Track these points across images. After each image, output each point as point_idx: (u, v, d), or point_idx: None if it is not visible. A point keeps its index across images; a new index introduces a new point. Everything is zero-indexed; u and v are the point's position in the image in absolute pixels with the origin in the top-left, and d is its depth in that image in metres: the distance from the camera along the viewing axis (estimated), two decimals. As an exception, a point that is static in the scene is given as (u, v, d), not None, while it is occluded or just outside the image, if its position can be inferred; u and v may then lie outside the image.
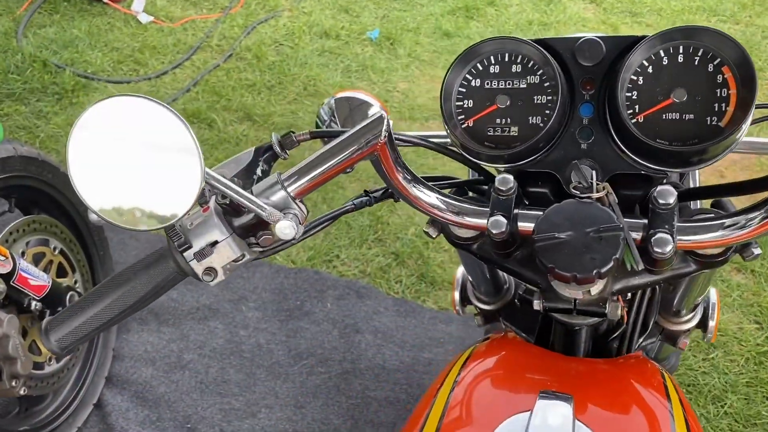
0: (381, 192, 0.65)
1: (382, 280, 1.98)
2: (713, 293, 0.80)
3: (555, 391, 0.50)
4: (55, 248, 1.47)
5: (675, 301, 0.73)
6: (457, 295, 0.86)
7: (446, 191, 0.64)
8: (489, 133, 0.61)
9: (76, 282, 1.54)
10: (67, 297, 1.39)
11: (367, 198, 0.64)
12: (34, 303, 1.30)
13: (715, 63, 0.56)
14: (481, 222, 0.58)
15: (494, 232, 0.56)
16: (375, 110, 0.77)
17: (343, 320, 1.83)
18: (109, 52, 2.82)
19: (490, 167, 0.63)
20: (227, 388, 1.68)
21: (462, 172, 0.80)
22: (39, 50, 2.73)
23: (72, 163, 0.49)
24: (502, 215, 0.56)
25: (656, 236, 0.52)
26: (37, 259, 1.41)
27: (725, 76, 0.56)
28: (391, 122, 0.77)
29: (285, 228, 0.54)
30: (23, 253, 1.37)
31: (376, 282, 1.97)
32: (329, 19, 3.20)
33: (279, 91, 2.73)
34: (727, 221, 0.54)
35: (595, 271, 0.51)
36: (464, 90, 0.62)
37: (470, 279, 0.82)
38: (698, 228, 0.54)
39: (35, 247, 1.42)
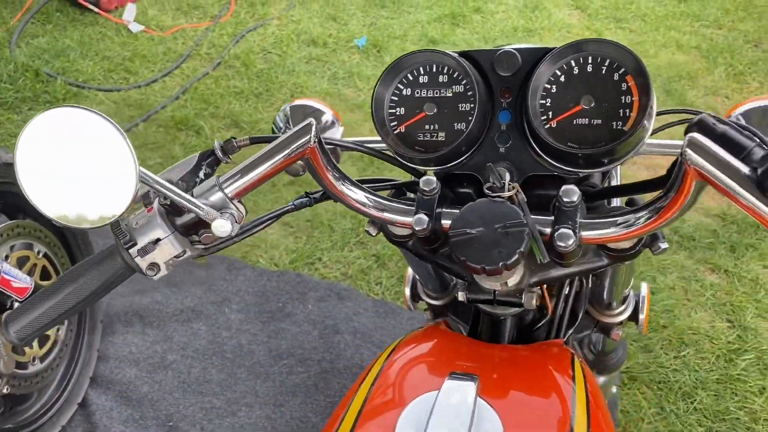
0: (320, 193, 0.69)
1: (362, 282, 2.02)
2: (644, 288, 0.84)
3: (464, 372, 0.54)
4: (39, 252, 1.52)
5: (604, 295, 0.78)
6: (407, 291, 0.90)
7: (386, 192, 0.69)
8: (419, 138, 0.66)
9: (60, 285, 1.58)
10: (50, 299, 1.43)
11: (307, 199, 0.69)
12: (16, 305, 1.35)
13: (620, 72, 0.60)
14: (407, 219, 0.62)
15: (417, 228, 0.60)
16: (327, 117, 0.82)
17: (323, 321, 1.88)
18: (100, 61, 2.88)
19: (422, 169, 0.68)
20: (208, 388, 1.72)
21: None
22: (31, 60, 2.79)
23: (21, 172, 0.54)
24: (425, 213, 0.61)
25: (559, 231, 0.57)
26: (21, 263, 1.46)
27: (629, 85, 0.60)
28: (340, 127, 0.82)
29: (221, 226, 0.59)
30: (7, 257, 1.42)
31: (356, 284, 2.02)
32: (317, 27, 3.26)
33: (266, 98, 2.78)
34: (620, 219, 0.58)
35: (501, 263, 0.55)
36: (396, 98, 0.66)
37: (417, 276, 0.86)
38: (597, 224, 0.58)
39: (20, 251, 1.47)
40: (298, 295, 1.95)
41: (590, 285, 0.78)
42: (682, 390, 1.75)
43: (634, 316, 0.82)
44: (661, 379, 1.77)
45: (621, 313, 0.81)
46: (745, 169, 0.49)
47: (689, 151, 0.50)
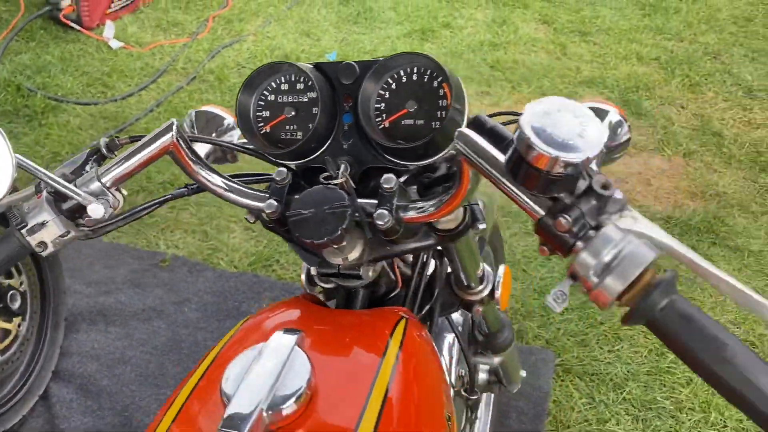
0: (196, 185, 0.80)
1: (317, 283, 2.12)
2: (501, 269, 0.94)
3: (291, 328, 0.64)
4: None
5: (462, 276, 0.88)
6: (303, 276, 1.01)
7: (265, 186, 0.79)
8: (281, 137, 0.77)
9: (21, 283, 1.69)
10: (8, 296, 1.55)
11: (185, 189, 0.80)
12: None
13: (438, 80, 0.71)
14: (260, 205, 0.73)
15: (268, 212, 0.71)
16: (227, 122, 0.93)
17: (277, 319, 1.98)
18: (80, 76, 3.01)
19: (287, 163, 0.79)
20: (164, 381, 1.82)
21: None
22: (14, 75, 2.93)
23: None
24: (275, 199, 0.71)
25: (378, 212, 0.67)
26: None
27: (444, 91, 0.71)
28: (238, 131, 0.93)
29: (95, 210, 0.70)
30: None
31: (311, 284, 2.12)
32: (291, 43, 3.39)
33: (237, 111, 2.90)
34: (429, 203, 0.68)
35: (327, 238, 0.66)
36: (263, 103, 0.77)
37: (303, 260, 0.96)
38: (411, 207, 0.69)
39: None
40: (254, 295, 2.05)
41: (443, 266, 0.89)
42: (614, 381, 1.85)
43: (491, 295, 0.92)
44: (594, 371, 1.87)
45: (480, 291, 0.91)
46: (503, 159, 0.59)
47: (458, 143, 0.60)
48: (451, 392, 1.04)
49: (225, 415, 0.57)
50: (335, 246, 0.69)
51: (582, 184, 0.57)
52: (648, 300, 0.52)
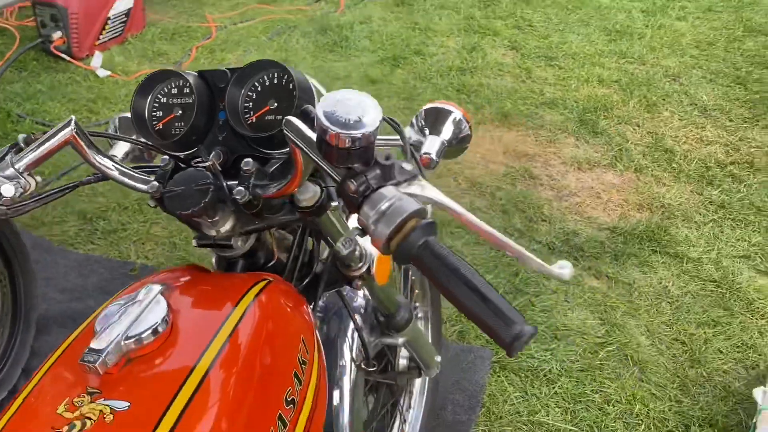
0: (99, 174, 0.94)
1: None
2: (375, 253, 1.07)
3: (161, 281, 0.78)
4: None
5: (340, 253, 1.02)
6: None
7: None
8: (172, 133, 0.91)
9: (-8, 283, 1.84)
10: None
11: (92, 177, 0.94)
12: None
13: (293, 83, 0.86)
14: (145, 187, 0.87)
15: (151, 191, 0.86)
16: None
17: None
18: (67, 103, 3.20)
19: (179, 154, 0.93)
20: (125, 378, 1.95)
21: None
22: (5, 102, 3.12)
23: None
24: (158, 181, 0.86)
25: (236, 189, 0.82)
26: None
27: (296, 92, 0.86)
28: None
29: (7, 190, 0.85)
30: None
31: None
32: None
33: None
34: (279, 183, 0.82)
35: (191, 210, 0.80)
36: (157, 104, 0.92)
37: None
38: (265, 186, 0.83)
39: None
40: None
41: (321, 246, 1.03)
42: (547, 377, 1.96)
43: (368, 271, 1.06)
44: (529, 368, 1.98)
45: (358, 269, 1.04)
46: (313, 137, 0.73)
47: (285, 129, 0.75)
48: (343, 361, 1.17)
49: (86, 350, 0.70)
50: (208, 219, 0.83)
51: (379, 157, 0.72)
52: (408, 241, 0.66)
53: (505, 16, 4.23)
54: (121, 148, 1.07)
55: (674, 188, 2.76)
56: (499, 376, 1.96)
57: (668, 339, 2.09)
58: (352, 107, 0.69)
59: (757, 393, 1.78)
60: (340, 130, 0.67)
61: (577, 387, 1.93)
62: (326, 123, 0.68)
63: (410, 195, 0.69)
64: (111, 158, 0.91)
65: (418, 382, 1.73)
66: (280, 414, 0.76)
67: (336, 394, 1.18)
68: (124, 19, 3.75)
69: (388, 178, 0.71)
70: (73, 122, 0.87)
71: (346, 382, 1.18)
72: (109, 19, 3.63)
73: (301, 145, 0.74)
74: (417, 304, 1.67)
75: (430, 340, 1.71)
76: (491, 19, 4.20)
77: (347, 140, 0.68)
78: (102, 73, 3.39)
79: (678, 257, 2.40)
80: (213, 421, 0.70)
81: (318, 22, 4.10)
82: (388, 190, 0.69)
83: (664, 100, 3.37)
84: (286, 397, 0.78)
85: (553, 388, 1.93)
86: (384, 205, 0.67)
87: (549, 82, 3.52)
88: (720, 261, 2.38)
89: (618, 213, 2.62)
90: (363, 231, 0.70)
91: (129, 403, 0.69)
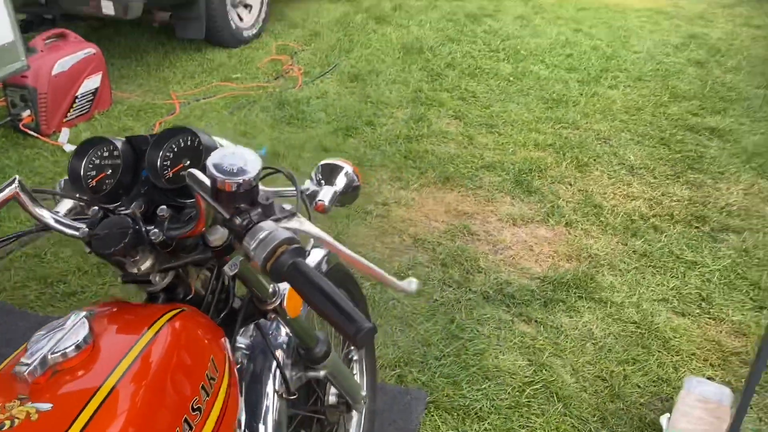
0: (41, 225, 1.10)
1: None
2: (287, 286, 1.24)
3: (87, 310, 0.94)
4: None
5: (253, 289, 1.19)
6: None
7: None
8: (103, 188, 1.09)
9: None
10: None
11: (34, 228, 1.10)
12: None
13: (201, 144, 1.05)
14: (77, 232, 1.04)
15: (81, 236, 1.03)
16: None
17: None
18: (34, 176, 3.38)
19: (106, 206, 1.11)
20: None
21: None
22: (-27, 177, 3.29)
23: None
24: (88, 227, 1.03)
25: (151, 231, 0.99)
26: None
27: (203, 151, 1.05)
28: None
29: None
30: None
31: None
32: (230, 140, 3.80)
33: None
34: (188, 225, 1.00)
35: (112, 249, 0.97)
36: (91, 165, 1.11)
37: None
38: (176, 228, 1.01)
39: None
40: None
41: (235, 282, 1.20)
42: (478, 415, 2.10)
43: (280, 306, 1.22)
44: (462, 406, 2.13)
45: (272, 303, 1.21)
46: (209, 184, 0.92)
47: (188, 180, 0.94)
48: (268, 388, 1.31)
49: (18, 363, 0.86)
50: (131, 259, 1.01)
51: (260, 198, 0.91)
52: (279, 262, 0.84)
53: (451, 89, 4.56)
54: (64, 205, 1.24)
55: (601, 240, 2.98)
56: (433, 416, 2.09)
57: (591, 376, 2.26)
58: (236, 159, 0.88)
59: (663, 419, 1.94)
60: (225, 177, 0.86)
61: (506, 423, 2.07)
62: (214, 172, 0.87)
63: (289, 229, 0.88)
64: (50, 210, 1.08)
65: (354, 420, 1.86)
66: (186, 418, 0.92)
67: (261, 426, 1.32)
68: (92, 97, 3.98)
69: (269, 214, 0.90)
70: (17, 181, 1.05)
71: (270, 414, 1.32)
72: (77, 98, 3.86)
73: (199, 191, 0.93)
74: (353, 348, 1.83)
75: (363, 379, 1.86)
76: (438, 91, 4.52)
77: (232, 185, 0.87)
78: (68, 147, 3.58)
79: (602, 302, 2.60)
80: (125, 416, 0.85)
81: (277, 97, 4.38)
82: (267, 224, 0.87)
83: (594, 160, 3.65)
84: (192, 405, 0.94)
85: (483, 424, 2.07)
86: (261, 235, 0.86)
87: (489, 147, 3.79)
88: (640, 304, 2.58)
89: (549, 263, 2.83)
90: (247, 257, 0.88)
91: (52, 405, 0.84)
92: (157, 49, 5.21)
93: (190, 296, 1.15)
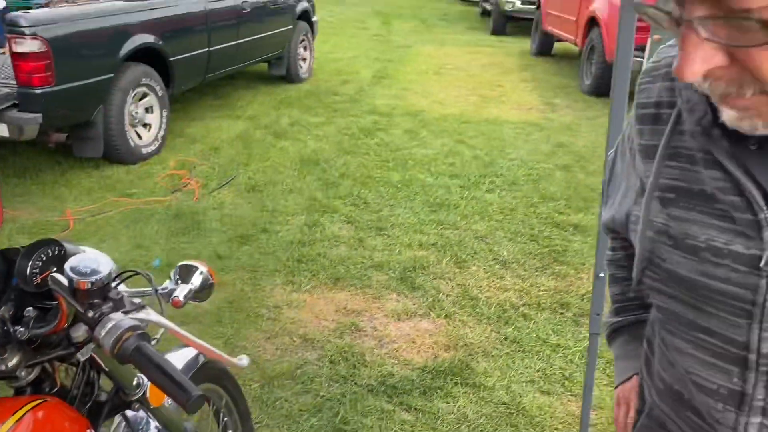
0: None
1: None
2: (140, 378, 1.37)
3: None
4: None
5: (118, 381, 1.31)
6: None
7: None
8: None
9: None
10: None
11: None
12: None
13: (65, 253, 1.21)
14: None
15: None
16: None
17: None
18: None
19: None
20: None
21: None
22: None
23: None
24: None
25: (18, 331, 1.12)
26: None
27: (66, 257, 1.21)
28: None
29: None
30: None
31: None
32: (123, 255, 3.88)
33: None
34: (50, 324, 1.14)
35: None
36: None
37: None
38: (41, 326, 1.14)
39: None
40: None
41: (101, 376, 1.33)
42: (359, 503, 2.20)
43: (144, 397, 1.35)
44: (343, 496, 2.22)
45: (134, 395, 1.34)
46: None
47: (50, 283, 1.10)
48: None
49: None
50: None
51: (112, 294, 1.08)
52: (125, 346, 1.00)
53: (344, 196, 4.88)
54: None
55: (477, 329, 3.24)
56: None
57: (465, 456, 2.42)
58: (90, 262, 1.06)
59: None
60: (79, 278, 1.03)
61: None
62: (71, 274, 1.04)
63: (138, 319, 1.05)
64: None
65: None
66: None
67: None
68: (-19, 216, 3.98)
69: (120, 308, 1.07)
70: None
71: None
72: (-35, 217, 3.86)
73: (59, 291, 1.09)
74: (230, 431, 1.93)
75: None
76: (332, 198, 4.82)
77: (86, 283, 1.04)
78: None
79: (476, 386, 2.81)
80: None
81: (173, 209, 4.53)
82: (116, 315, 1.04)
83: (472, 257, 3.99)
84: None
85: None
86: (109, 325, 1.02)
87: (378, 249, 4.06)
88: (510, 386, 2.81)
89: (429, 354, 3.04)
90: (98, 345, 1.04)
91: None
92: (54, 167, 5.29)
93: (56, 389, 1.26)
